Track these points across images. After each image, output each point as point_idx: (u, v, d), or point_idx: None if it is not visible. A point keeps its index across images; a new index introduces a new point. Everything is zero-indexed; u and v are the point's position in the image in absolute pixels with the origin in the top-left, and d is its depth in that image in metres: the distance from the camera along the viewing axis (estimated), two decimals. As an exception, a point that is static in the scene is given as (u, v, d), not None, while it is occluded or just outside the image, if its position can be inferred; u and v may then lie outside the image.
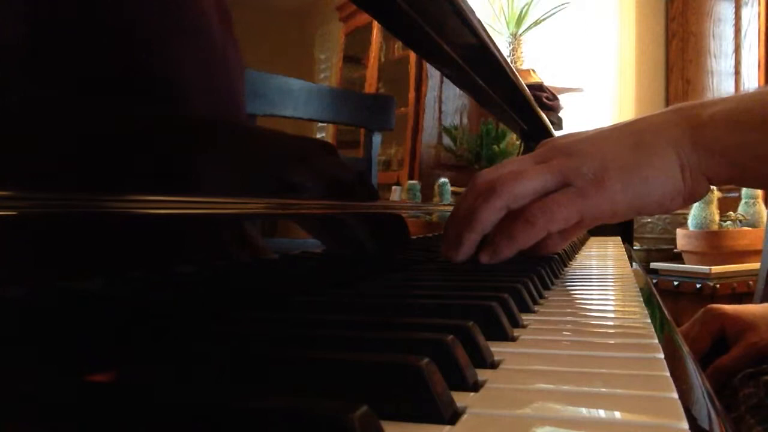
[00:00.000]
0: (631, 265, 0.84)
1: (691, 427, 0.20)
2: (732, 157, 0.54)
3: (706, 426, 0.23)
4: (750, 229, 2.42)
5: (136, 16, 0.29)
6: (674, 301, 2.46)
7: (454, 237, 0.58)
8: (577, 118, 2.77)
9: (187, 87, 0.33)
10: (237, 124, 0.39)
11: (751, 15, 3.09)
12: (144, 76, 0.30)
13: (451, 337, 0.26)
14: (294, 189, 0.44)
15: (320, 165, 0.50)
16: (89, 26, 0.26)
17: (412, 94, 0.73)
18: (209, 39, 0.34)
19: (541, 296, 0.49)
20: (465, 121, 0.97)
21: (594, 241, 1.38)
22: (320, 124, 0.51)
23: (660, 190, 0.55)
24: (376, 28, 0.62)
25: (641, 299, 0.49)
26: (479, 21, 0.72)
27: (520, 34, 2.67)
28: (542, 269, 0.56)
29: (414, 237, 0.70)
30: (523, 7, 2.66)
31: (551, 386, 0.25)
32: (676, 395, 0.24)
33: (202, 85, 0.34)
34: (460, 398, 0.23)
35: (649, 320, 0.39)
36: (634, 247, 2.01)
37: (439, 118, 0.83)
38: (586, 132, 0.61)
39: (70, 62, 0.25)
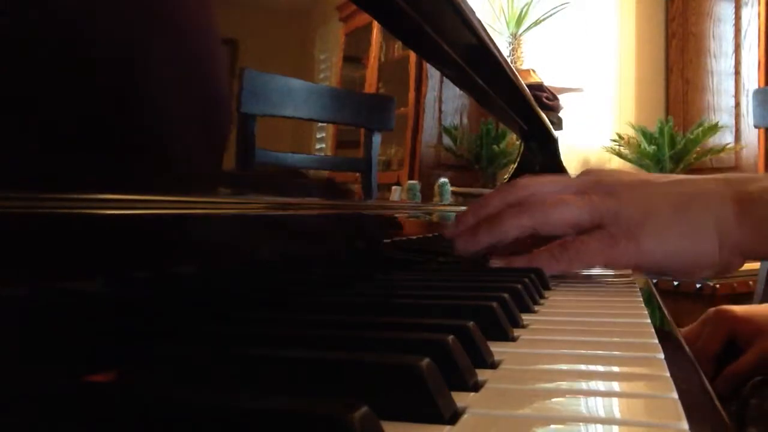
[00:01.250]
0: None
1: (691, 428, 0.20)
2: None
3: (706, 426, 0.23)
4: (750, 229, 2.41)
5: (114, 15, 0.28)
6: (674, 301, 2.46)
7: (470, 229, 0.58)
8: (577, 118, 2.77)
9: (171, 87, 0.33)
10: (223, 123, 0.39)
11: (751, 15, 3.09)
12: (129, 78, 0.30)
13: (451, 337, 0.26)
14: (288, 188, 0.44)
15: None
16: (64, 26, 0.26)
17: (412, 94, 0.73)
18: (188, 39, 0.34)
19: (541, 296, 0.49)
20: (465, 121, 0.96)
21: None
22: (320, 124, 0.51)
23: (691, 259, 0.54)
24: (376, 28, 0.62)
25: (641, 299, 0.49)
26: (479, 21, 0.72)
27: (520, 34, 2.67)
28: (542, 269, 0.56)
29: (414, 237, 0.70)
30: (523, 7, 2.66)
31: (551, 386, 0.25)
32: (676, 395, 0.24)
33: (185, 85, 0.34)
34: (460, 398, 0.23)
35: (649, 320, 0.39)
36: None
37: (439, 118, 0.83)
38: (634, 174, 0.61)
39: (63, 60, 0.25)
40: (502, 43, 2.61)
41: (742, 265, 0.56)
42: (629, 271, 0.77)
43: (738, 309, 0.89)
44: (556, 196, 0.56)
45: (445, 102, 0.84)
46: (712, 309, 0.89)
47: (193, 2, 0.34)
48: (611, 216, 0.54)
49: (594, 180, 0.59)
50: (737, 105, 3.16)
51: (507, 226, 0.56)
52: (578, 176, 0.62)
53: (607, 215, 0.54)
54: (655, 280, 2.40)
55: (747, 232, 0.53)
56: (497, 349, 0.31)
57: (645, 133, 2.93)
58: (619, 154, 2.95)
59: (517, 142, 1.26)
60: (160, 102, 0.31)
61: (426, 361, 0.22)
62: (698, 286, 2.42)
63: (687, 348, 0.36)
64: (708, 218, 0.54)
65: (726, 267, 0.55)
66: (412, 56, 0.72)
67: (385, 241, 0.61)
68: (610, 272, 0.73)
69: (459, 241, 0.59)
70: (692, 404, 0.23)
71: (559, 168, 1.31)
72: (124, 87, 0.29)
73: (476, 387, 0.25)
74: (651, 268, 0.55)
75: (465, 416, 0.22)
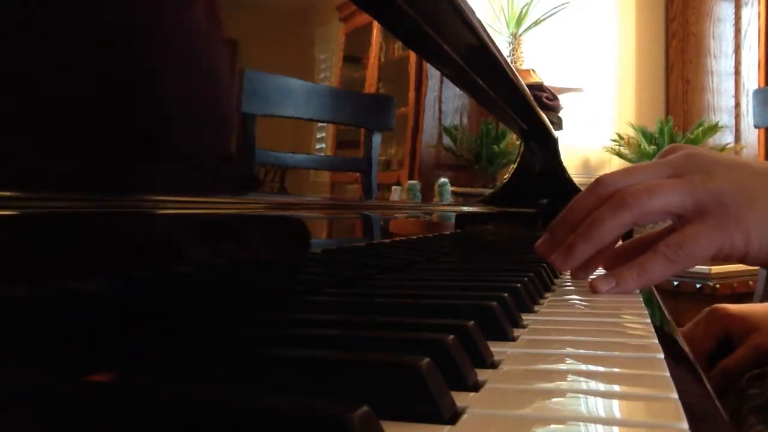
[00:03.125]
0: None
1: (691, 427, 0.20)
2: None
3: (706, 426, 0.23)
4: (750, 229, 2.41)
5: (123, 15, 0.28)
6: (674, 301, 2.46)
7: (566, 243, 0.52)
8: (577, 118, 2.77)
9: (177, 87, 0.33)
10: (230, 123, 0.39)
11: (751, 15, 3.09)
12: (136, 77, 0.30)
13: (451, 337, 0.26)
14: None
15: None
16: (72, 26, 0.26)
17: (412, 94, 0.73)
18: (196, 38, 0.34)
19: (541, 296, 0.49)
20: (465, 121, 0.96)
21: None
22: (320, 124, 0.51)
23: None
24: (376, 28, 0.62)
25: (641, 299, 0.49)
26: (479, 21, 0.72)
27: (520, 34, 2.67)
28: (542, 269, 0.56)
29: (414, 237, 0.70)
30: (523, 7, 2.66)
31: (551, 386, 0.25)
32: (676, 395, 0.24)
33: (191, 85, 0.34)
34: (460, 398, 0.23)
35: (649, 320, 0.39)
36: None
37: (439, 118, 0.83)
38: (721, 154, 0.55)
39: (69, 63, 0.25)
40: (502, 43, 2.61)
41: None
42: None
43: (732, 307, 0.88)
44: (652, 183, 0.50)
45: (445, 102, 0.84)
46: (708, 308, 0.89)
47: (194, 3, 0.34)
48: (715, 199, 0.49)
49: (685, 157, 0.53)
50: (737, 105, 3.16)
51: (605, 229, 0.50)
52: (664, 155, 0.56)
53: (710, 197, 0.49)
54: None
55: None
56: (497, 349, 0.31)
57: (645, 133, 2.93)
58: (619, 154, 2.95)
59: (517, 142, 1.26)
60: (159, 102, 0.31)
61: (426, 360, 0.22)
62: (698, 286, 2.42)
63: (687, 348, 0.36)
64: None
65: None
66: (412, 56, 0.72)
67: (385, 240, 0.61)
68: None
69: (556, 261, 0.53)
70: (692, 404, 0.23)
71: (559, 168, 1.30)
72: (123, 87, 0.29)
73: (476, 387, 0.25)
74: (758, 255, 0.49)
75: (465, 416, 0.22)
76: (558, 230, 0.54)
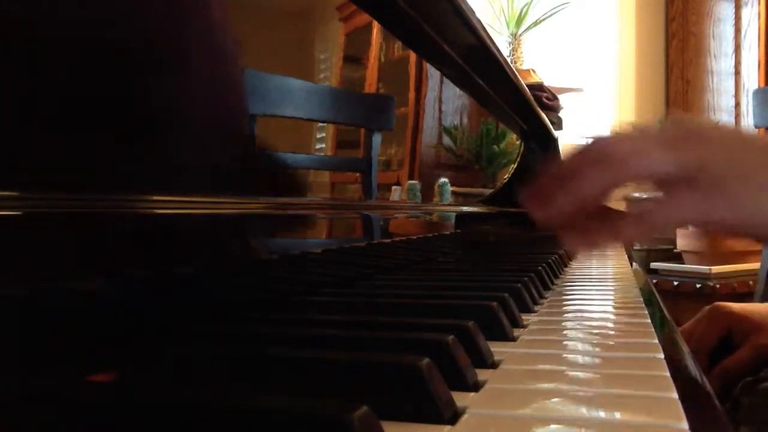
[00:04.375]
0: (631, 265, 0.84)
1: (691, 427, 0.20)
2: None
3: (706, 426, 0.23)
4: (750, 229, 2.41)
5: (138, 16, 0.29)
6: (674, 301, 2.46)
7: (545, 191, 0.52)
8: (577, 118, 2.77)
9: (189, 86, 0.33)
10: (239, 123, 0.39)
11: (751, 15, 3.09)
12: (146, 77, 0.30)
13: (451, 337, 0.26)
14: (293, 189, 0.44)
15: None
16: (84, 27, 0.26)
17: (412, 94, 0.73)
18: (212, 38, 0.34)
19: (541, 296, 0.49)
20: (465, 121, 0.96)
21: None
22: (320, 124, 0.51)
23: None
24: (376, 28, 0.62)
25: (641, 299, 0.49)
26: (479, 21, 0.72)
27: (520, 34, 2.67)
28: (542, 269, 0.56)
29: (414, 237, 0.70)
30: (523, 7, 2.66)
31: (551, 386, 0.25)
32: (676, 395, 0.24)
33: (204, 85, 0.34)
34: (460, 398, 0.23)
35: (649, 320, 0.39)
36: (634, 247, 2.00)
37: (439, 118, 0.83)
38: (721, 125, 0.56)
39: (70, 61, 0.25)
40: (502, 43, 2.61)
41: None
42: (628, 268, 0.77)
43: (735, 306, 0.87)
44: (641, 146, 0.50)
45: (445, 102, 0.84)
46: (710, 305, 0.88)
47: (199, 5, 0.34)
48: (701, 166, 0.49)
49: (678, 126, 0.53)
50: (737, 105, 3.16)
51: (586, 184, 0.50)
52: (662, 126, 0.54)
53: (696, 164, 0.49)
54: (655, 280, 2.39)
55: None
56: (497, 349, 0.31)
57: (645, 133, 2.92)
58: (619, 154, 2.94)
59: (517, 142, 1.26)
60: (158, 103, 0.31)
61: (426, 360, 0.22)
62: (698, 286, 2.42)
63: (687, 348, 0.36)
64: None
65: None
66: (412, 56, 0.72)
67: (385, 240, 0.61)
68: (610, 272, 0.73)
69: (532, 205, 0.53)
70: (692, 404, 0.23)
71: (559, 168, 1.30)
72: (123, 87, 0.29)
73: (476, 387, 0.25)
74: (745, 227, 0.50)
75: (465, 416, 0.22)
76: (543, 180, 0.54)
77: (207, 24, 0.34)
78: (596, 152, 0.52)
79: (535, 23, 2.69)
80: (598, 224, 0.51)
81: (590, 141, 0.53)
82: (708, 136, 0.51)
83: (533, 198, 0.54)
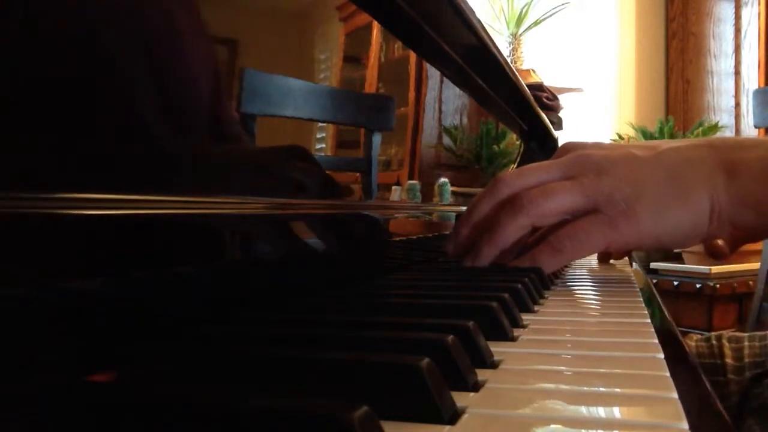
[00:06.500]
0: (631, 265, 0.84)
1: (691, 427, 0.20)
2: (763, 210, 0.52)
3: (706, 426, 0.23)
4: (750, 229, 2.41)
5: (120, 14, 0.28)
6: (674, 301, 2.46)
7: (470, 245, 0.57)
8: (577, 118, 2.77)
9: (176, 87, 0.33)
10: (230, 123, 0.39)
11: (751, 15, 3.09)
12: (134, 77, 0.30)
13: (451, 337, 0.26)
14: (282, 190, 0.44)
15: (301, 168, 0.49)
16: (64, 27, 0.26)
17: (412, 94, 0.73)
18: (195, 38, 0.34)
19: (541, 296, 0.49)
20: (465, 121, 0.96)
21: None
22: (320, 124, 0.51)
23: (688, 229, 0.53)
24: (376, 28, 0.62)
25: (641, 299, 0.49)
26: (479, 21, 0.72)
27: (520, 34, 2.67)
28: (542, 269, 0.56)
29: (414, 237, 0.70)
30: (523, 7, 2.66)
31: (551, 386, 0.25)
32: (676, 395, 0.24)
33: (190, 85, 0.34)
34: (460, 398, 0.23)
35: (649, 320, 0.39)
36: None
37: (439, 118, 0.83)
38: (615, 146, 0.59)
39: (59, 62, 0.25)
40: (502, 43, 2.61)
41: (728, 234, 0.55)
42: (628, 268, 0.77)
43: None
44: (546, 186, 0.54)
45: (445, 102, 0.84)
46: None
47: (190, 2, 0.34)
48: (606, 198, 0.53)
49: (577, 158, 0.57)
50: (737, 105, 3.16)
51: (507, 233, 0.54)
52: (558, 155, 0.59)
53: (601, 199, 0.53)
54: (655, 280, 2.40)
55: (735, 203, 0.53)
56: (497, 349, 0.31)
57: (645, 133, 2.93)
58: (620, 154, 2.95)
59: (517, 142, 1.26)
60: (157, 102, 0.31)
61: (426, 360, 0.22)
62: (698, 286, 2.42)
63: (688, 348, 0.36)
64: (700, 187, 0.53)
65: (713, 235, 0.54)
66: (412, 56, 0.72)
67: (385, 241, 0.61)
68: (610, 272, 0.73)
69: (466, 261, 0.57)
70: (692, 404, 0.23)
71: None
72: (120, 87, 0.29)
73: (476, 387, 0.25)
74: (651, 244, 0.54)
75: (465, 416, 0.22)
76: (462, 230, 0.59)
77: (185, 23, 0.33)
78: (506, 196, 0.56)
79: (535, 23, 2.69)
80: (518, 255, 0.56)
81: (497, 180, 0.57)
82: (607, 166, 0.55)
83: (458, 251, 0.59)
